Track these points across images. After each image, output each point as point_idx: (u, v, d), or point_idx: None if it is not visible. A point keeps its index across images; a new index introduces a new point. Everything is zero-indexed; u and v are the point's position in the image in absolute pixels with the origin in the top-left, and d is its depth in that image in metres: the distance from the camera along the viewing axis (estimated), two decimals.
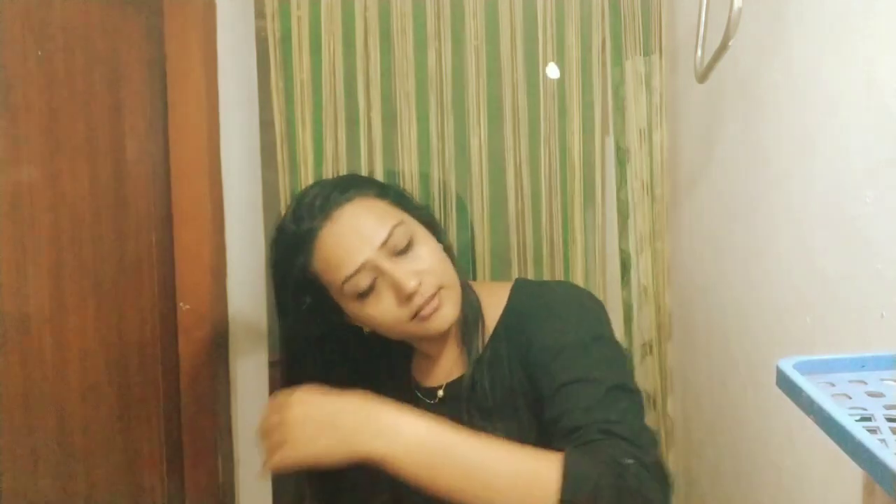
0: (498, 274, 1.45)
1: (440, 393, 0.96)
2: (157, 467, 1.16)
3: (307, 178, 1.41)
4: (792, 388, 0.59)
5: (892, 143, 0.67)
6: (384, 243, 0.86)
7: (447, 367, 0.98)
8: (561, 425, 0.79)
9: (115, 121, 1.06)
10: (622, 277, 1.48)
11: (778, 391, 0.61)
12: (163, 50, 1.20)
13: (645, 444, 0.76)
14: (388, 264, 0.85)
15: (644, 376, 1.48)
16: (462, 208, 1.45)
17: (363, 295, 0.86)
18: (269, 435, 0.76)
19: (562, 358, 0.84)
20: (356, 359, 1.00)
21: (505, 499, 0.71)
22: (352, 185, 0.90)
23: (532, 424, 0.89)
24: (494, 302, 0.96)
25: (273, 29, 1.39)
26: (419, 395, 0.98)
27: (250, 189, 1.43)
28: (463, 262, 1.44)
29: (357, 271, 0.85)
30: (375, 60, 1.40)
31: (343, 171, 1.43)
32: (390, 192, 0.92)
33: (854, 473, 0.72)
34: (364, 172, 1.43)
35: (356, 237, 0.86)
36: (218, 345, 1.27)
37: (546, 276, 1.45)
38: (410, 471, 0.72)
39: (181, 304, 1.23)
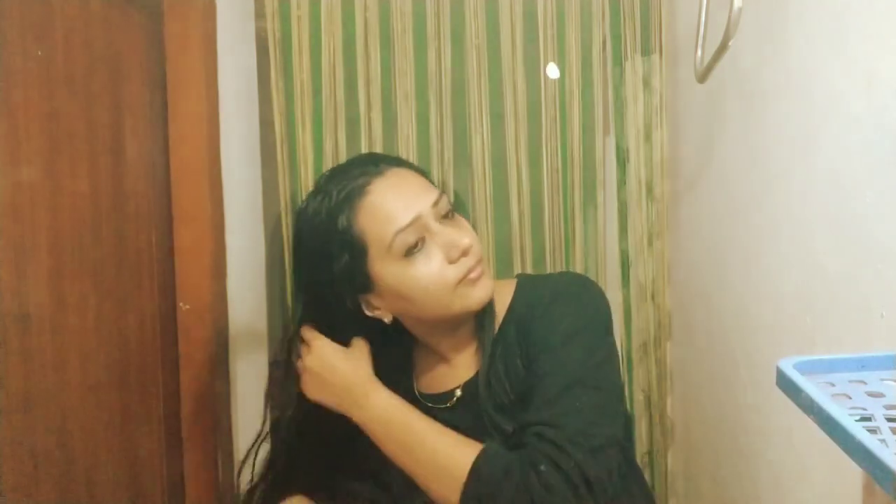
0: (498, 274, 1.45)
1: (458, 393, 0.95)
2: (157, 467, 1.16)
3: (307, 178, 1.41)
4: (792, 388, 0.59)
5: (892, 143, 0.67)
6: (435, 203, 0.87)
7: (459, 370, 0.97)
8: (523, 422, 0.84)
9: (115, 121, 1.06)
10: (622, 277, 1.48)
11: (778, 391, 0.61)
12: (163, 50, 1.20)
13: (582, 445, 0.78)
14: (436, 224, 0.87)
15: (644, 376, 1.49)
16: (462, 208, 1.45)
17: (411, 253, 0.85)
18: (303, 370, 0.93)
19: (543, 352, 0.87)
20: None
21: (424, 475, 0.83)
22: (401, 160, 0.94)
23: None
24: (500, 299, 0.95)
25: (273, 29, 1.39)
26: (429, 404, 0.96)
27: (250, 189, 1.43)
28: None
29: (410, 224, 0.84)
30: (375, 60, 1.40)
31: None
32: (430, 179, 0.94)
33: (854, 473, 0.72)
34: None
35: (410, 192, 0.87)
36: (218, 345, 1.27)
37: None
38: (375, 437, 0.87)
39: (181, 304, 1.23)
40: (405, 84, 1.41)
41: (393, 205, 0.86)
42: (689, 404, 1.40)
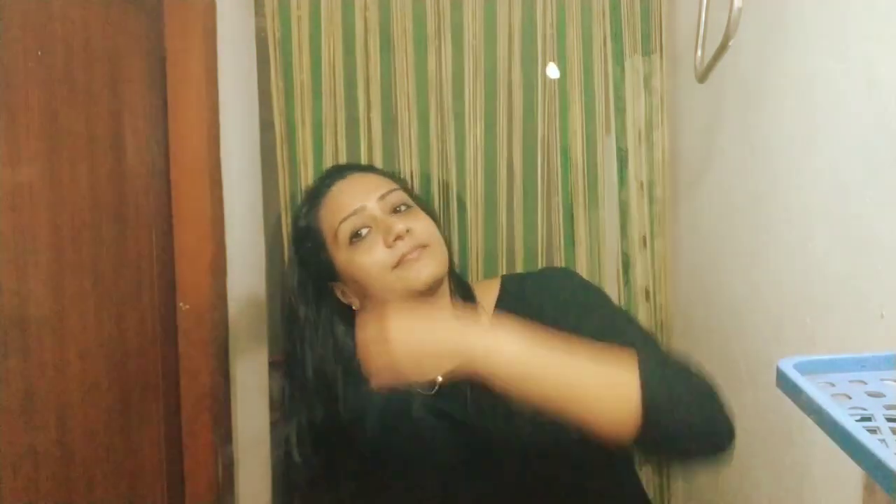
0: (498, 274, 1.45)
1: (439, 379, 0.96)
2: (157, 467, 1.16)
3: (307, 178, 1.41)
4: (792, 388, 0.59)
5: (892, 143, 0.67)
6: (382, 197, 0.96)
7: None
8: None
9: (115, 121, 1.06)
10: (622, 277, 1.48)
11: (778, 391, 0.61)
12: (163, 50, 1.20)
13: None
14: (382, 214, 0.95)
15: None
16: (462, 208, 1.45)
17: (355, 239, 0.94)
18: (374, 356, 0.78)
19: (592, 312, 0.94)
20: (346, 348, 1.00)
21: (590, 407, 0.75)
22: (372, 167, 1.05)
23: None
24: (488, 294, 1.02)
25: (273, 29, 1.39)
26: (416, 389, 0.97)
27: (250, 189, 1.43)
28: (462, 261, 1.44)
29: (353, 213, 0.95)
30: (375, 60, 1.40)
31: None
32: (401, 181, 1.03)
33: (854, 473, 0.72)
34: None
35: (360, 189, 0.98)
36: (218, 345, 1.27)
37: None
38: (507, 384, 0.76)
39: (181, 304, 1.23)
40: (405, 84, 1.41)
41: (342, 198, 0.97)
42: None
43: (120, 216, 1.06)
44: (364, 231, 0.94)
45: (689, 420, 0.78)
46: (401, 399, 0.96)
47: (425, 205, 1.02)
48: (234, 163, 1.33)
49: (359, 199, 0.96)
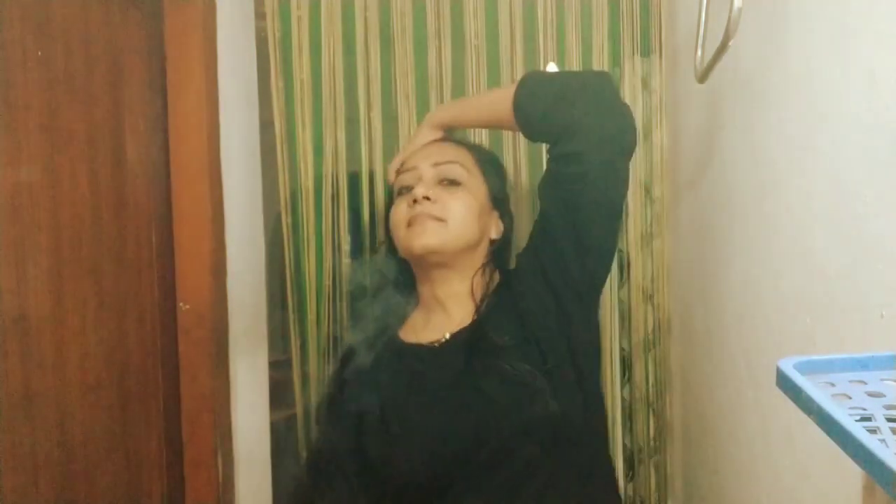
0: None
1: (446, 336, 1.03)
2: (157, 467, 1.16)
3: (307, 178, 1.41)
4: (792, 388, 0.59)
5: (892, 143, 0.67)
6: (436, 164, 1.02)
7: (453, 322, 1.04)
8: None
9: (115, 121, 1.06)
10: (621, 277, 1.48)
11: (778, 391, 0.61)
12: (163, 50, 1.20)
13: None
14: (427, 177, 1.02)
15: (643, 376, 1.48)
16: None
17: (399, 194, 1.05)
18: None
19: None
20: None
21: (489, 111, 1.07)
22: (466, 141, 1.14)
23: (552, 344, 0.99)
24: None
25: (273, 29, 1.39)
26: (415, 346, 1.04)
27: (250, 189, 1.43)
28: None
29: (407, 170, 1.04)
30: (375, 60, 1.40)
31: (343, 172, 1.43)
32: (485, 162, 1.09)
33: (854, 473, 0.72)
34: (364, 172, 1.43)
35: (425, 153, 1.06)
36: (218, 345, 1.27)
37: None
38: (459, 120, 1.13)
39: (181, 304, 1.23)
40: (405, 84, 1.41)
41: (411, 159, 1.07)
42: (688, 404, 1.40)
43: (120, 216, 1.06)
44: (405, 189, 1.03)
45: (568, 98, 0.96)
46: (412, 349, 1.04)
47: (497, 189, 1.07)
48: (234, 163, 1.33)
49: (419, 160, 1.05)
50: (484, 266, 1.07)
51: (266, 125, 1.44)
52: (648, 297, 1.47)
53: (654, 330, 1.47)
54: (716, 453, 1.22)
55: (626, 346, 1.49)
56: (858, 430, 0.49)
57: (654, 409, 1.48)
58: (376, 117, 1.41)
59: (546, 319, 0.98)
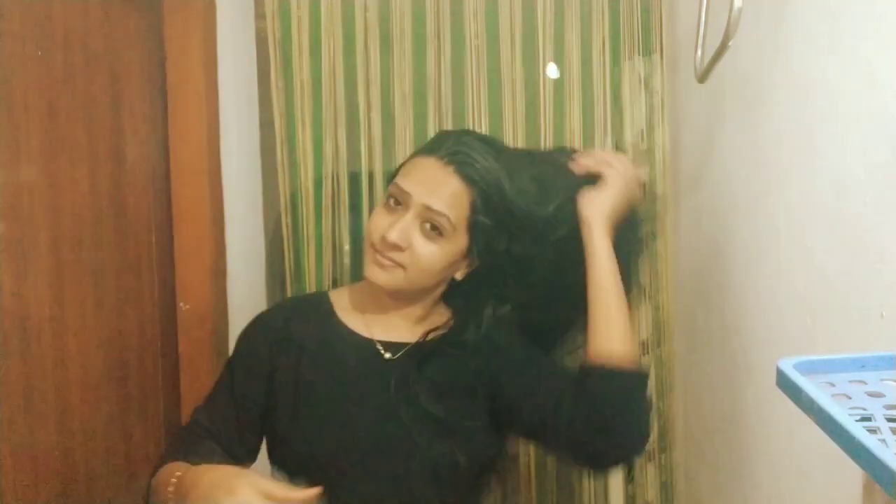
0: None
1: (389, 345, 1.03)
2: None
3: (307, 178, 1.41)
4: (792, 388, 0.59)
5: (892, 143, 0.67)
6: (428, 208, 0.95)
7: (397, 326, 1.05)
8: None
9: (115, 121, 1.06)
10: None
11: (778, 391, 0.61)
12: (163, 50, 1.20)
13: None
14: (411, 215, 0.96)
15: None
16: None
17: (385, 204, 0.99)
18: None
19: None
20: None
21: (618, 319, 0.97)
22: (480, 159, 0.98)
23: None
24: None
25: (273, 29, 1.39)
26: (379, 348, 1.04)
27: (250, 189, 1.43)
28: None
29: (400, 189, 0.97)
30: (375, 60, 1.40)
31: (343, 172, 1.43)
32: (483, 214, 0.98)
33: (854, 473, 0.72)
34: (364, 172, 1.43)
35: (427, 186, 0.97)
36: (218, 345, 1.27)
37: None
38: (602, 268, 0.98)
39: (181, 304, 1.23)
40: (404, 84, 1.41)
41: (417, 172, 0.98)
42: (689, 404, 1.40)
43: (120, 216, 1.06)
44: (393, 202, 0.98)
45: (633, 419, 0.98)
46: (358, 341, 1.04)
47: (479, 240, 0.99)
48: (234, 163, 1.33)
49: (416, 188, 0.97)
50: (437, 297, 1.07)
51: (266, 125, 1.44)
52: (651, 298, 1.47)
53: (656, 330, 1.47)
54: (716, 453, 1.22)
55: None
56: (858, 430, 0.49)
57: (655, 409, 1.48)
58: (376, 118, 1.41)
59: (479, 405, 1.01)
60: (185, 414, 1.22)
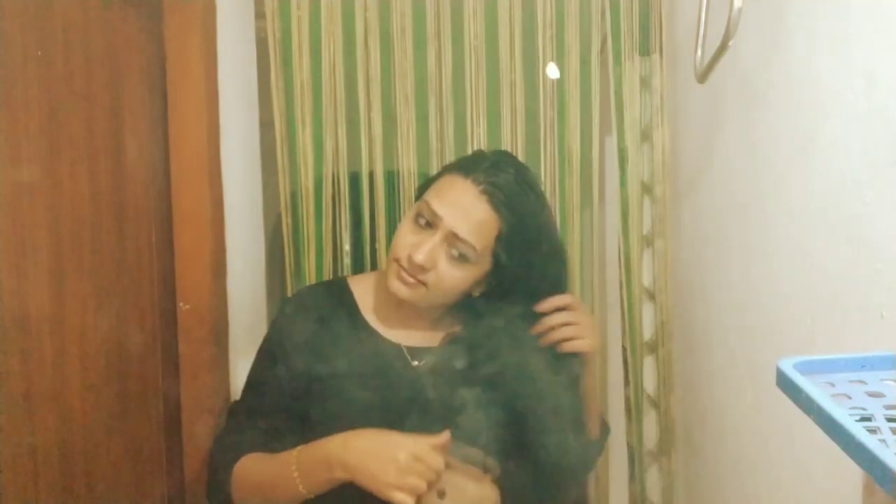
0: None
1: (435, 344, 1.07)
2: (158, 467, 1.16)
3: (307, 178, 1.41)
4: (792, 388, 0.59)
5: (892, 143, 0.67)
6: (456, 235, 0.97)
7: (420, 327, 1.08)
8: None
9: (115, 121, 1.06)
10: (622, 277, 1.48)
11: (778, 391, 0.61)
12: (163, 50, 1.20)
13: None
14: (439, 236, 0.98)
15: (645, 376, 1.48)
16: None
17: (414, 219, 1.01)
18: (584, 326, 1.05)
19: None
20: None
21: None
22: (512, 191, 1.00)
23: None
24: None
25: (273, 29, 1.39)
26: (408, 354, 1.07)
27: (250, 189, 1.43)
28: None
29: (432, 210, 0.98)
30: (375, 60, 1.40)
31: (343, 172, 1.43)
32: (507, 244, 1.00)
33: (854, 473, 0.72)
34: (364, 172, 1.43)
35: (459, 211, 0.98)
36: (218, 345, 1.27)
37: None
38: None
39: (181, 304, 1.23)
40: (405, 84, 1.41)
41: (450, 193, 1.00)
42: (689, 404, 1.40)
43: (120, 216, 1.06)
44: (423, 221, 1.00)
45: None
46: (390, 348, 1.07)
47: (500, 272, 1.02)
48: (234, 163, 1.33)
49: (448, 211, 0.98)
50: (453, 305, 1.09)
51: (266, 125, 1.44)
52: (651, 298, 1.47)
53: (658, 330, 1.47)
54: (716, 453, 1.22)
55: (630, 346, 1.49)
56: (858, 430, 0.49)
57: (656, 409, 1.48)
58: (376, 117, 1.41)
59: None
60: (186, 414, 1.23)
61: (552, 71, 1.43)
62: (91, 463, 0.98)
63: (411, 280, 0.99)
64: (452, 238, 0.98)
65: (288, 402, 1.05)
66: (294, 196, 1.42)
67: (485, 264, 1.01)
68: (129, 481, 1.08)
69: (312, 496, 0.95)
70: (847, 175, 0.76)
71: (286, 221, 1.42)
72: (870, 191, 0.71)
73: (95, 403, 0.99)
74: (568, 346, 1.04)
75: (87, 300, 0.97)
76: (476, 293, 1.06)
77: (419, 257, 0.97)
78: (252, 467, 1.01)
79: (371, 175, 1.43)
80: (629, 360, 1.49)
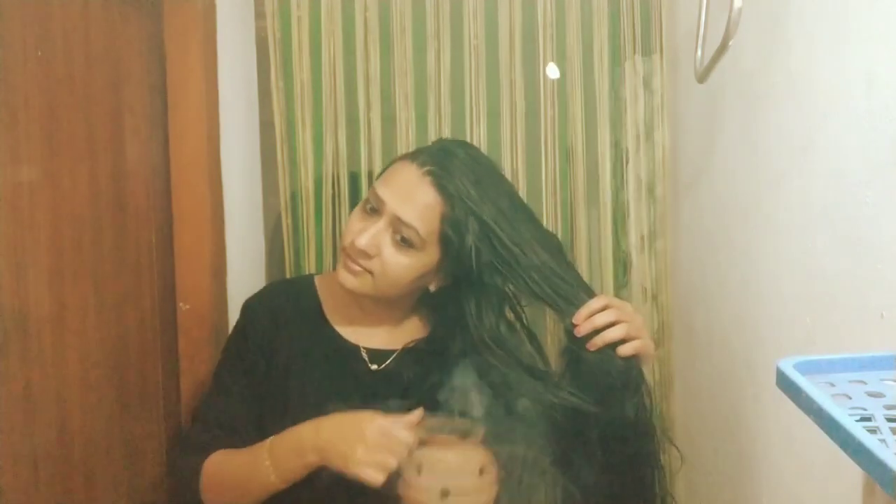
0: None
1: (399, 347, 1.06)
2: (158, 467, 1.16)
3: (307, 178, 1.41)
4: (792, 388, 0.59)
5: (892, 143, 0.67)
6: (399, 219, 0.95)
7: (380, 328, 1.07)
8: None
9: (115, 121, 1.06)
10: (622, 277, 1.48)
11: (778, 391, 0.61)
12: (163, 50, 1.20)
13: None
14: (383, 222, 0.96)
15: (645, 376, 1.48)
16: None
17: (363, 207, 1.00)
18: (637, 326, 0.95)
19: None
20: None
21: None
22: (459, 172, 0.97)
23: None
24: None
25: (273, 29, 1.39)
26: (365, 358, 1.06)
27: (250, 189, 1.43)
28: None
29: (376, 195, 0.97)
30: (375, 60, 1.40)
31: (343, 172, 1.43)
32: (455, 227, 0.96)
33: (854, 473, 0.72)
34: (364, 172, 1.43)
35: (401, 195, 0.96)
36: (218, 345, 1.27)
37: None
38: None
39: (181, 304, 1.23)
40: (405, 84, 1.41)
41: (392, 176, 0.99)
42: (689, 404, 1.40)
43: (120, 216, 1.06)
44: (370, 207, 0.98)
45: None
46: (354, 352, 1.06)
47: (446, 266, 0.98)
48: (234, 163, 1.33)
49: (391, 196, 0.96)
50: (414, 303, 1.07)
51: (266, 125, 1.44)
52: (652, 298, 1.47)
53: (658, 330, 1.47)
54: (716, 453, 1.22)
55: None
56: (858, 430, 0.49)
57: (656, 409, 1.48)
58: (376, 118, 1.41)
59: None
60: (186, 414, 1.22)
61: (552, 71, 1.43)
62: (91, 463, 0.98)
63: (356, 268, 0.97)
64: (397, 222, 0.95)
65: (249, 403, 1.05)
66: (294, 196, 1.42)
67: (433, 252, 0.97)
68: (128, 481, 1.08)
69: (285, 485, 0.94)
70: (847, 175, 0.76)
71: (286, 221, 1.42)
72: (870, 191, 0.71)
73: (95, 403, 0.99)
74: (624, 350, 0.93)
75: (87, 300, 0.97)
76: (433, 287, 1.02)
77: (362, 242, 0.95)
78: (222, 463, 1.00)
79: (371, 175, 1.43)
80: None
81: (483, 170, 0.98)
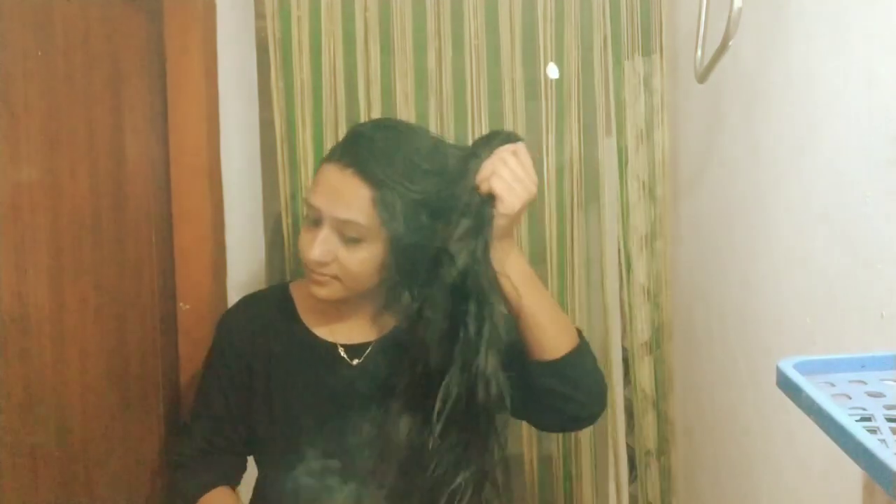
0: None
1: (369, 350, 1.07)
2: (158, 467, 1.16)
3: (307, 178, 1.41)
4: (792, 388, 0.59)
5: (892, 143, 0.67)
6: (337, 219, 0.96)
7: (356, 323, 1.08)
8: None
9: (115, 121, 1.06)
10: (622, 277, 1.48)
11: (778, 391, 0.61)
12: (163, 50, 1.20)
13: None
14: (327, 229, 0.97)
15: (645, 377, 1.48)
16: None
17: (305, 221, 1.01)
18: (519, 178, 0.91)
19: None
20: None
21: (553, 320, 0.98)
22: (373, 149, 0.96)
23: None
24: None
25: (273, 29, 1.39)
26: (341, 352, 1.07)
27: (250, 189, 1.43)
28: None
29: (310, 205, 0.98)
30: (375, 60, 1.40)
31: None
32: (388, 205, 0.95)
33: (854, 473, 0.72)
34: None
35: (330, 198, 0.97)
36: None
37: (546, 277, 1.45)
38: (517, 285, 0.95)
39: (181, 304, 1.23)
40: (405, 84, 1.41)
41: (322, 186, 0.98)
42: (689, 404, 1.40)
43: (120, 216, 1.06)
44: (311, 220, 0.99)
45: (592, 384, 1.01)
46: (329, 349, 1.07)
47: (394, 229, 0.96)
48: (234, 163, 1.33)
49: (324, 203, 0.97)
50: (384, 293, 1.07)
51: (266, 125, 1.44)
52: (652, 298, 1.47)
53: (658, 330, 1.47)
54: (716, 453, 1.22)
55: (629, 346, 1.49)
56: (858, 430, 0.49)
57: (656, 410, 1.48)
58: (376, 117, 1.41)
59: None
60: (185, 414, 1.23)
61: (552, 71, 1.43)
62: (91, 463, 0.98)
63: (322, 278, 0.99)
64: (338, 223, 0.96)
65: (235, 413, 1.09)
66: (294, 196, 1.42)
67: (384, 237, 0.97)
68: (128, 482, 1.08)
69: None
70: (847, 175, 0.76)
71: (286, 221, 1.42)
72: (870, 191, 0.71)
73: (95, 403, 0.99)
74: (482, 186, 0.91)
75: (87, 300, 0.97)
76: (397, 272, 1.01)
77: (315, 253, 0.97)
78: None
79: None
80: (629, 360, 1.49)
81: (399, 135, 1.00)
